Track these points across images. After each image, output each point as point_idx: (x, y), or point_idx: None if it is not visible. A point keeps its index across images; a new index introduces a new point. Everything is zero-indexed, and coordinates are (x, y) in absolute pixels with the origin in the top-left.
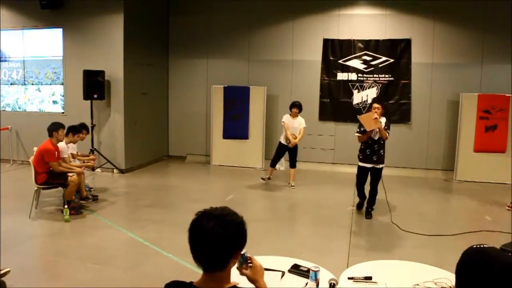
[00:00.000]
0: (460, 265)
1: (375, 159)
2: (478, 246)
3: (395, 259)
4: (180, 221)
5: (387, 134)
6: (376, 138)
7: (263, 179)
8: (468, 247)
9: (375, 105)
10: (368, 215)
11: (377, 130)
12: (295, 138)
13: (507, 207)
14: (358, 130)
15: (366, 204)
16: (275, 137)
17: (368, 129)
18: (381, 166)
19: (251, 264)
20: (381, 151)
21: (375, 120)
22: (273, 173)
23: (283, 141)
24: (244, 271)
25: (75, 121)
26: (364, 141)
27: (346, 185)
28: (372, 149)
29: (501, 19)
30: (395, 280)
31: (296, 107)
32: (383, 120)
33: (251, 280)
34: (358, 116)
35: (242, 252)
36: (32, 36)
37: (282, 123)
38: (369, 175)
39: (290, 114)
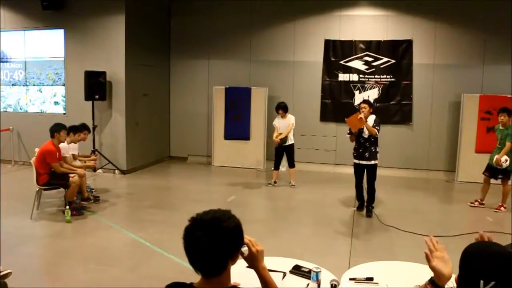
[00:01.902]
0: (462, 253)
1: (367, 156)
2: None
3: (397, 260)
4: (181, 222)
5: (376, 131)
6: (367, 136)
7: (269, 184)
8: (472, 243)
9: (362, 104)
10: (369, 212)
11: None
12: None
13: (470, 204)
14: (348, 131)
15: (366, 203)
16: None
17: (353, 130)
18: (373, 162)
19: (246, 249)
20: (373, 148)
21: (359, 120)
22: (278, 175)
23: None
24: (240, 256)
25: (77, 122)
26: (356, 139)
27: (347, 186)
28: (364, 147)
29: (502, 20)
30: (396, 281)
31: (280, 109)
32: (372, 118)
33: (251, 267)
34: (346, 119)
35: None
36: (33, 37)
37: (274, 126)
38: (365, 173)
39: (280, 116)
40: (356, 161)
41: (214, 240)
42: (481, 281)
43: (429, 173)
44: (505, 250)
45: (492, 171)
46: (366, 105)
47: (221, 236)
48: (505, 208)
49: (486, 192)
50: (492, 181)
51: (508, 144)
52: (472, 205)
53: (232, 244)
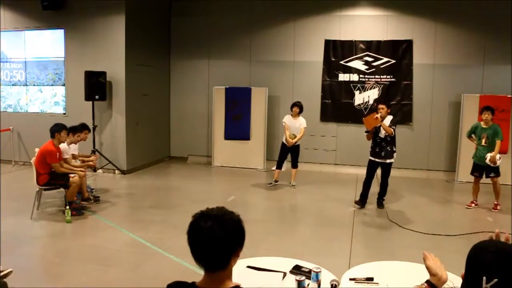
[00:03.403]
0: (470, 249)
1: (383, 155)
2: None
3: (397, 260)
4: (181, 222)
5: (392, 130)
6: (383, 136)
7: (270, 184)
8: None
9: (380, 105)
10: (380, 205)
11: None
12: (294, 138)
13: (467, 206)
14: (366, 130)
15: (378, 195)
16: (276, 138)
17: (368, 128)
18: (389, 161)
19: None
20: (389, 147)
21: (375, 119)
22: (279, 175)
23: (285, 142)
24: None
25: (77, 122)
26: (373, 139)
27: (348, 186)
28: (380, 146)
29: (502, 20)
30: (396, 281)
31: (296, 107)
32: (389, 118)
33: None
34: (363, 118)
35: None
36: (33, 37)
37: (283, 124)
38: (379, 169)
39: (291, 114)
40: (372, 159)
41: (222, 228)
42: (483, 278)
43: (429, 173)
44: (506, 246)
45: (482, 170)
46: (384, 106)
47: (228, 225)
48: (499, 205)
49: (478, 192)
50: (501, 180)
51: (498, 142)
52: (469, 207)
53: (237, 236)
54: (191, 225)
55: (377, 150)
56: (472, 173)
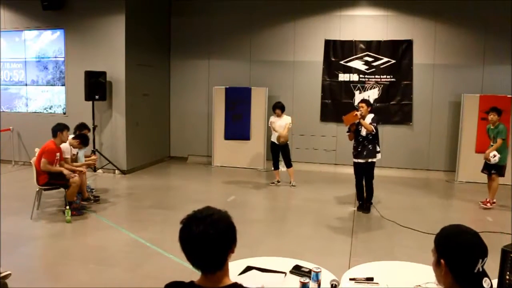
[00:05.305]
0: (440, 236)
1: (365, 154)
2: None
3: (397, 260)
4: None
5: (372, 127)
6: (365, 134)
7: (272, 183)
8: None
9: (360, 104)
10: (366, 209)
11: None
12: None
13: (481, 203)
14: (347, 130)
15: (365, 200)
16: None
17: (346, 125)
18: (370, 160)
19: None
20: (370, 146)
21: (354, 116)
22: (279, 174)
23: (273, 140)
24: None
25: (77, 122)
26: (355, 138)
27: (347, 186)
28: (362, 145)
29: (502, 20)
30: (396, 281)
31: (278, 109)
32: (370, 117)
33: None
34: (343, 117)
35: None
36: (33, 37)
37: (270, 124)
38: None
39: (276, 115)
40: (355, 160)
41: (215, 229)
42: (480, 260)
43: (429, 173)
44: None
45: (487, 168)
46: (363, 104)
47: (220, 224)
48: (491, 204)
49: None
50: (501, 180)
51: (499, 140)
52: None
53: (230, 233)
54: (182, 231)
55: (359, 149)
56: (482, 171)
